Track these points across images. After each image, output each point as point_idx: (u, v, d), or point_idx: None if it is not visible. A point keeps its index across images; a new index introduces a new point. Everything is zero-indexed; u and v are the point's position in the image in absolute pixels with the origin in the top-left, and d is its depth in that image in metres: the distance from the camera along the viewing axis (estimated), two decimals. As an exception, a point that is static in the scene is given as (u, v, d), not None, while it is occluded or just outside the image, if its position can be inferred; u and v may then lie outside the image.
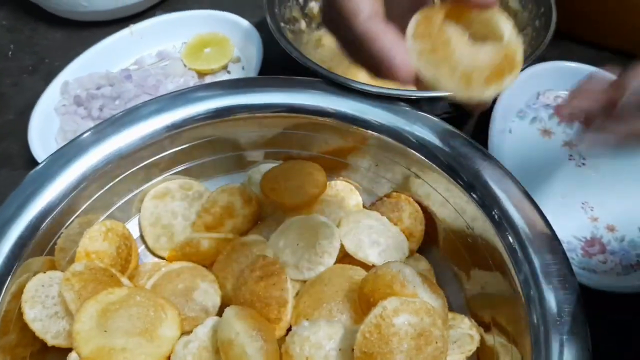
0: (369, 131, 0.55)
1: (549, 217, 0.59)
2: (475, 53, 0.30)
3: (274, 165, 0.59)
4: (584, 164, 0.66)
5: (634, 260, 0.58)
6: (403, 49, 0.32)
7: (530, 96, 0.71)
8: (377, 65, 0.33)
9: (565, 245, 0.59)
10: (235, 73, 0.75)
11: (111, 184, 0.54)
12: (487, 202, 0.49)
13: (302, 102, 0.56)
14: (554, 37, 0.62)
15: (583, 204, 0.63)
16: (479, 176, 0.51)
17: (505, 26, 0.31)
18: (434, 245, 0.56)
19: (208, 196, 0.55)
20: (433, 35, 0.31)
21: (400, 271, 0.44)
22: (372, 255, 0.50)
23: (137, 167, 0.55)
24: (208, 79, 0.74)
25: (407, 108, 0.55)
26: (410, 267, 0.44)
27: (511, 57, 0.31)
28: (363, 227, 0.52)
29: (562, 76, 0.71)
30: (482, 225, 0.50)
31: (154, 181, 0.57)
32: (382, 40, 0.32)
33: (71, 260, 0.51)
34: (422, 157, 0.53)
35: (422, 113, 0.55)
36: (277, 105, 0.56)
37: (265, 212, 0.58)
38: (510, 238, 0.48)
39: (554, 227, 0.58)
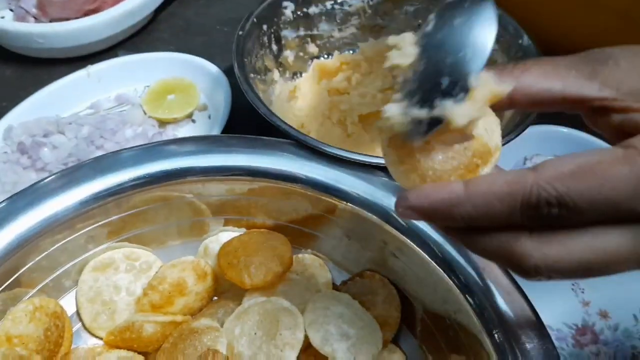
0: (341, 201, 0.50)
1: (537, 300, 0.53)
2: (442, 157, 0.29)
3: (234, 234, 0.53)
4: (573, 239, 0.61)
5: (628, 352, 0.53)
6: None
7: (517, 161, 0.66)
8: None
9: (555, 334, 0.54)
10: (201, 122, 0.69)
11: (45, 254, 0.47)
12: (470, 288, 0.44)
13: (268, 165, 0.51)
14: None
15: (573, 285, 0.57)
16: (461, 258, 0.45)
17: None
18: (411, 332, 0.50)
19: (156, 272, 0.49)
20: (399, 145, 0.30)
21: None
22: (340, 351, 0.44)
23: (77, 234, 0.48)
24: (170, 128, 0.67)
25: (384, 178, 0.49)
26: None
27: (481, 151, 0.29)
28: (331, 315, 0.46)
29: (550, 140, 0.66)
30: (464, 315, 0.44)
31: (96, 250, 0.50)
32: None
33: (-10, 344, 0.44)
34: (399, 233, 0.48)
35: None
36: (240, 168, 0.50)
37: (222, 287, 0.52)
38: (496, 335, 0.42)
39: (543, 312, 0.52)
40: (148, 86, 0.71)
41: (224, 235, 0.53)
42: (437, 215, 0.28)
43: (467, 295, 0.44)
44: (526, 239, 0.27)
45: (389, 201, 0.48)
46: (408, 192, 0.29)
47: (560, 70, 0.30)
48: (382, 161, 0.50)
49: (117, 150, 0.50)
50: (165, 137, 0.65)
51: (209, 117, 0.69)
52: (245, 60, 0.61)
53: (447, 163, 0.29)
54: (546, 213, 0.26)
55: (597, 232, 0.27)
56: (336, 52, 0.73)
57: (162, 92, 0.69)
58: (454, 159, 0.29)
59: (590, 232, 0.27)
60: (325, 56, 0.73)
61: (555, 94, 0.30)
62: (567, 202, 0.26)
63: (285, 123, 0.53)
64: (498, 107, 0.31)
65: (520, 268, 0.28)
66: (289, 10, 0.67)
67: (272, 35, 0.67)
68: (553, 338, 0.51)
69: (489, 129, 0.30)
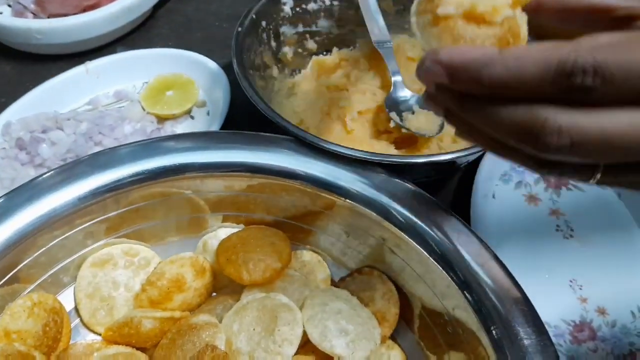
0: (340, 198, 0.50)
1: (535, 296, 0.53)
2: (476, 25, 0.30)
3: (233, 230, 0.53)
4: (571, 235, 0.61)
5: (626, 349, 0.53)
6: None
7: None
8: None
9: (552, 330, 0.54)
10: (200, 118, 0.69)
11: (43, 249, 0.47)
12: (468, 284, 0.44)
13: (267, 162, 0.51)
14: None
15: (571, 281, 0.57)
16: (460, 256, 0.45)
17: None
18: (409, 328, 0.50)
19: (155, 268, 0.49)
20: (434, 10, 0.31)
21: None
22: (339, 347, 0.44)
23: (75, 230, 0.48)
24: (169, 124, 0.67)
25: (383, 174, 0.50)
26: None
27: (515, 31, 0.30)
28: (330, 311, 0.46)
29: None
30: (463, 311, 0.44)
31: (94, 245, 0.50)
32: None
33: (-11, 340, 0.44)
34: (398, 230, 0.48)
35: (399, 180, 0.49)
36: (238, 164, 0.50)
37: (221, 283, 0.52)
38: (494, 332, 0.42)
39: (541, 308, 0.52)
40: (147, 82, 0.71)
41: (223, 231, 0.53)
42: (464, 74, 0.27)
43: (465, 292, 0.44)
44: (554, 107, 0.26)
45: (387, 198, 0.48)
46: (440, 49, 0.28)
47: None
48: (380, 158, 0.50)
49: (115, 147, 0.50)
50: (163, 134, 0.65)
51: (208, 113, 0.69)
52: (244, 56, 0.61)
53: (483, 31, 0.30)
54: (580, 83, 0.25)
55: (629, 110, 0.26)
56: (335, 49, 0.72)
57: (161, 88, 0.69)
58: (490, 29, 0.30)
59: (620, 110, 0.26)
60: (324, 53, 0.73)
61: (582, 3, 0.31)
62: (604, 70, 0.25)
63: (284, 119, 0.53)
64: (527, 11, 0.32)
65: (543, 133, 0.26)
66: (287, 6, 0.67)
67: (271, 32, 0.67)
68: (551, 334, 0.51)
69: (521, 20, 0.31)
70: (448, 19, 0.30)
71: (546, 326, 0.54)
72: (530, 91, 0.26)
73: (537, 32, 0.34)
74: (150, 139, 0.51)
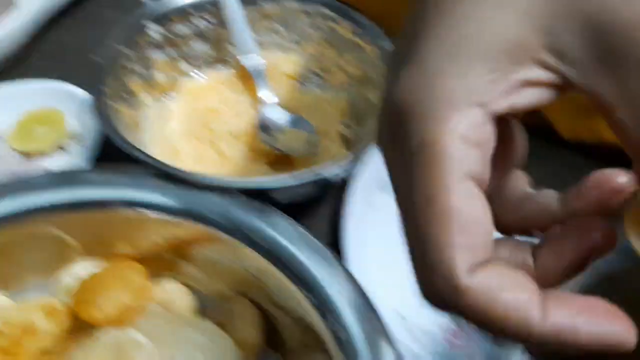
0: (200, 225, 0.49)
1: (414, 303, 0.53)
2: None
3: (94, 269, 0.51)
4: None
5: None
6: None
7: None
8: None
9: (429, 337, 0.54)
10: (73, 151, 0.67)
11: None
12: (326, 309, 0.44)
13: (122, 195, 0.50)
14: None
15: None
16: (319, 282, 0.45)
17: None
18: (280, 355, 0.50)
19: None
20: None
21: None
22: (193, 382, 0.43)
23: None
24: (39, 161, 0.65)
25: (245, 199, 0.49)
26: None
27: None
28: (187, 346, 0.45)
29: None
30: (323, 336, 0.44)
31: (-60, 298, 0.48)
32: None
33: None
34: (259, 256, 0.47)
35: (263, 205, 0.49)
36: (96, 200, 0.49)
37: (85, 324, 0.50)
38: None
39: (420, 316, 0.54)
40: (16, 118, 0.68)
41: (83, 270, 0.51)
42: None
43: (323, 316, 0.44)
44: None
45: (249, 224, 0.48)
46: None
47: None
48: (240, 183, 0.50)
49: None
50: (31, 171, 0.63)
51: (82, 145, 0.67)
52: (108, 88, 0.59)
53: None
54: None
55: None
56: (209, 69, 0.71)
57: (29, 124, 0.67)
58: None
59: None
60: (198, 73, 0.71)
61: None
62: None
63: (141, 151, 0.52)
64: None
65: None
66: (153, 31, 0.66)
67: (138, 58, 0.65)
68: (428, 342, 0.52)
69: None
70: None
71: (423, 334, 0.55)
72: None
73: None
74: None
